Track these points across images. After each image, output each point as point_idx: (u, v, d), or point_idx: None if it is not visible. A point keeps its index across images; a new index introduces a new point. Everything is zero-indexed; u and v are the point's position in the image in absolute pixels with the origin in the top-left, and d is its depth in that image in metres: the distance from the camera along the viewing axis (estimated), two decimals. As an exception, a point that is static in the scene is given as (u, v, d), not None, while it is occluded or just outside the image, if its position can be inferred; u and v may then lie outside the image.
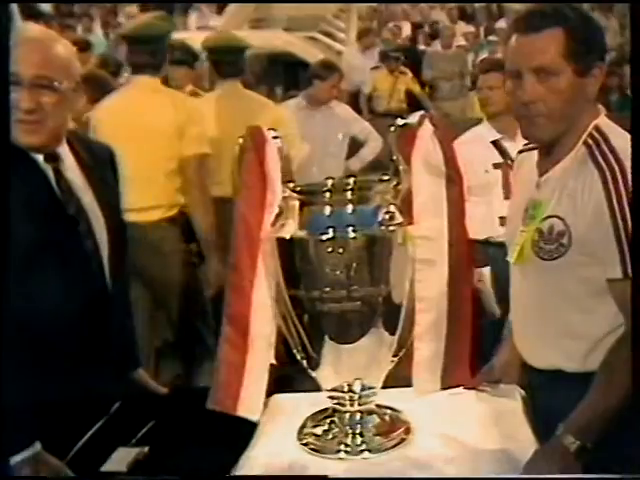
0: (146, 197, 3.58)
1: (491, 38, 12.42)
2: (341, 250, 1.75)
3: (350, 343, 1.82)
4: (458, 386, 1.92)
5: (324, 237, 1.75)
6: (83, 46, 10.09)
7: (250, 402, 1.80)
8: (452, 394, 2.02)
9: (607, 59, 1.95)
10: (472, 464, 1.76)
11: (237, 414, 1.80)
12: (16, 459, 1.76)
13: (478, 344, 1.91)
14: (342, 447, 1.85)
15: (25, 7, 11.94)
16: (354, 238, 1.76)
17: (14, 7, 11.94)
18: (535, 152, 1.96)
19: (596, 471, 1.69)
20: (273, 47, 8.66)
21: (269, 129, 1.84)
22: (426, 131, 1.80)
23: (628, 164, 1.74)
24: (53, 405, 1.85)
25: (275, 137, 1.83)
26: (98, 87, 4.45)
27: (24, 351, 1.83)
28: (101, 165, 2.13)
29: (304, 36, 10.43)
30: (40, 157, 1.98)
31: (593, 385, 1.76)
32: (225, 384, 1.81)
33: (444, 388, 1.86)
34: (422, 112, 1.88)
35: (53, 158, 1.99)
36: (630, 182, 1.73)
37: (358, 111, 10.03)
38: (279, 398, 2.09)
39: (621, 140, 1.81)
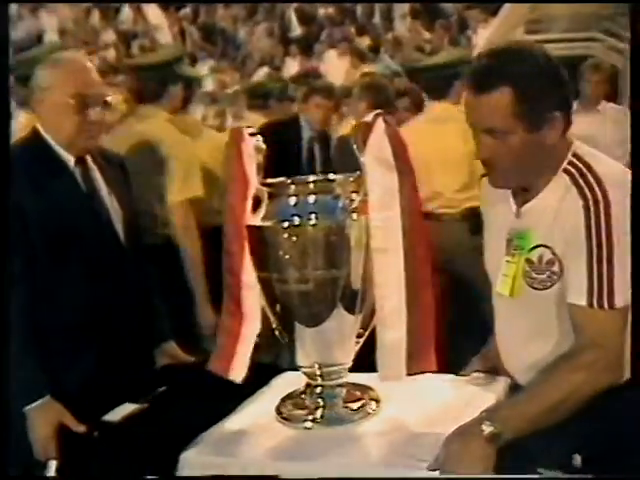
0: None
1: None
2: (295, 237, 1.94)
3: (315, 326, 2.00)
4: (423, 372, 2.00)
5: (285, 224, 1.95)
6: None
7: (238, 367, 2.03)
8: (434, 379, 2.13)
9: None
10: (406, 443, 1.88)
11: (227, 377, 2.03)
12: (28, 407, 2.17)
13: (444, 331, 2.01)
14: (309, 417, 2.03)
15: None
16: (314, 225, 1.94)
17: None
18: None
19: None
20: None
21: (248, 127, 2.07)
22: (378, 128, 1.93)
23: (612, 192, 1.77)
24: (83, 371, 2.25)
25: (252, 134, 2.05)
26: (379, 94, 4.76)
27: (55, 322, 2.25)
28: (114, 169, 2.51)
29: (583, 37, 10.08)
30: (71, 162, 2.37)
31: (526, 385, 1.83)
32: (222, 350, 2.05)
33: (410, 374, 1.95)
34: (377, 111, 2.00)
35: (81, 161, 2.39)
36: (612, 213, 1.76)
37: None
38: (288, 375, 2.27)
39: (604, 166, 1.84)
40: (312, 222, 1.94)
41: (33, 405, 2.16)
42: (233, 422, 2.06)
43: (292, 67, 11.79)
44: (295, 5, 12.69)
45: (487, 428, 1.75)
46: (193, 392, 2.24)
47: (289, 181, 2.01)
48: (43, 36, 12.02)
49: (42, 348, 2.22)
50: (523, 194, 1.93)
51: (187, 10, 12.96)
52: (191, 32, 12.68)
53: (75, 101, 2.33)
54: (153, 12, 12.28)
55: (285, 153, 4.19)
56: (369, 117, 1.96)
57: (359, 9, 13.75)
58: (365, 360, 2.05)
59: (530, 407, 1.79)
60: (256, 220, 2.01)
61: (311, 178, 2.01)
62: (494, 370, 2.15)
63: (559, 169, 1.86)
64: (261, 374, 2.25)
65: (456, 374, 2.21)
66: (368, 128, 1.94)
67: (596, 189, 1.79)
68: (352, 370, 2.10)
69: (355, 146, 1.96)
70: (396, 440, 1.90)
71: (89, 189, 2.38)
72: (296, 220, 1.95)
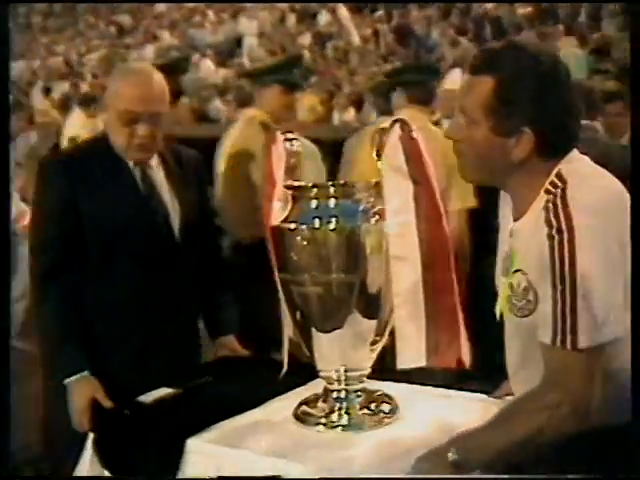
0: None
1: None
2: (314, 240, 1.96)
3: (330, 331, 2.01)
4: (444, 366, 1.93)
5: (304, 227, 1.97)
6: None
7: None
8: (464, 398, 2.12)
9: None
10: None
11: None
12: (67, 380, 2.35)
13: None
14: (322, 420, 2.03)
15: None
16: (333, 229, 1.95)
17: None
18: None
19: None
20: None
21: (286, 132, 2.10)
22: (394, 135, 1.91)
23: (580, 220, 1.60)
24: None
25: (288, 140, 2.08)
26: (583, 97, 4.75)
27: (102, 311, 2.42)
28: (186, 169, 2.57)
29: None
30: (131, 163, 2.47)
31: (494, 416, 1.72)
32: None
33: (430, 365, 1.91)
34: (395, 117, 1.96)
35: (141, 163, 2.48)
36: (577, 243, 1.59)
37: None
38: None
39: (580, 189, 1.66)
40: (332, 225, 1.96)
41: (72, 378, 2.34)
42: (249, 416, 2.10)
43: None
44: (490, 5, 12.45)
45: (452, 456, 1.67)
46: (235, 384, 2.31)
47: (311, 184, 2.03)
48: (242, 40, 12.55)
49: (88, 332, 2.39)
50: (517, 210, 1.80)
51: (381, 12, 13.09)
52: (385, 34, 12.80)
53: (122, 117, 2.39)
54: (347, 14, 12.50)
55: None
56: (387, 123, 1.94)
57: (561, 10, 13.29)
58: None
59: (493, 441, 1.68)
60: (279, 222, 2.05)
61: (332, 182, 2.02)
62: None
63: (542, 188, 1.71)
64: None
65: (489, 395, 2.13)
66: (385, 134, 1.93)
67: (561, 216, 1.62)
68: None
69: (374, 153, 1.96)
70: (397, 451, 1.87)
71: (147, 189, 2.48)
72: (316, 223, 1.97)
